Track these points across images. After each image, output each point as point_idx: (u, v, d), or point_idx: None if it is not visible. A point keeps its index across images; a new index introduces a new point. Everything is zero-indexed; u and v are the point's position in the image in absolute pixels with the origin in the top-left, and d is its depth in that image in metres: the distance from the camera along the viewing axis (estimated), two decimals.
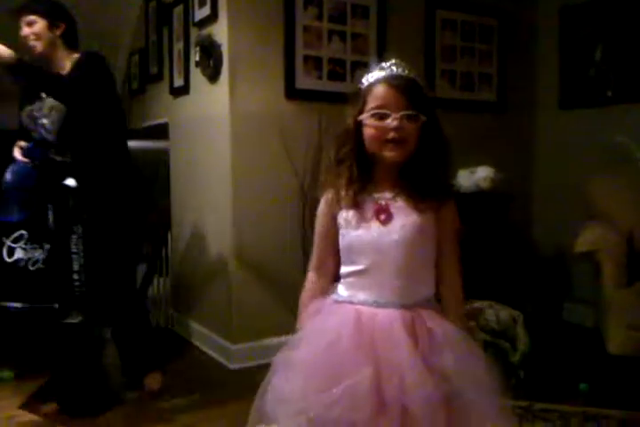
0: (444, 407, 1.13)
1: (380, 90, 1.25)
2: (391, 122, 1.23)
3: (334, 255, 1.34)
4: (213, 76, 2.80)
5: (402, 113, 1.23)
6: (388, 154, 1.25)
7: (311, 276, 1.39)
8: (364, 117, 1.26)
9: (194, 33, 2.97)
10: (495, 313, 2.43)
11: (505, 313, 2.44)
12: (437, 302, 1.32)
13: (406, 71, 1.29)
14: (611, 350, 2.23)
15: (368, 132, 1.26)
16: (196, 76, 2.97)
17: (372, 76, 1.29)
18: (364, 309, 1.23)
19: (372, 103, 1.25)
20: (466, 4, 3.30)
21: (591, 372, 2.49)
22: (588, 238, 2.45)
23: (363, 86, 1.29)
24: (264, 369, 1.26)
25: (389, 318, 1.21)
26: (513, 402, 2.19)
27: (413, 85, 1.27)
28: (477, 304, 2.49)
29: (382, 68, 1.29)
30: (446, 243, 1.31)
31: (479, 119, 3.37)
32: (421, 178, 1.29)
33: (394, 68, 1.29)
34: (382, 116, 1.24)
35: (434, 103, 1.32)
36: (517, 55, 3.52)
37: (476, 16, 3.34)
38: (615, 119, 3.15)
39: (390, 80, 1.26)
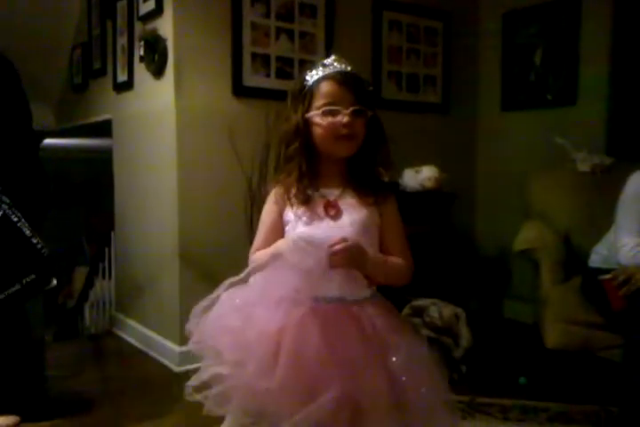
0: (395, 405, 1.13)
1: (327, 87, 1.27)
2: (342, 118, 1.25)
3: None
4: (158, 72, 2.74)
5: (352, 109, 1.25)
6: (341, 150, 1.28)
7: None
8: (314, 115, 1.27)
9: (138, 27, 2.91)
10: (438, 310, 2.48)
11: (448, 310, 2.49)
12: (382, 296, 1.34)
13: (348, 67, 1.32)
14: (548, 344, 2.30)
15: (319, 129, 1.27)
16: (141, 71, 2.91)
17: (317, 74, 1.30)
18: (317, 306, 1.21)
19: (320, 100, 1.27)
20: (411, 6, 3.35)
21: (530, 366, 2.57)
22: (526, 237, 2.52)
23: (308, 84, 1.30)
24: None
25: (340, 314, 1.21)
26: (455, 397, 2.24)
27: (358, 81, 1.30)
28: (421, 302, 2.53)
29: (325, 66, 1.31)
30: (393, 230, 1.35)
31: (424, 120, 3.43)
32: (366, 173, 1.33)
33: (336, 64, 1.31)
34: (333, 113, 1.25)
35: (375, 98, 1.35)
36: (461, 58, 3.60)
37: (421, 18, 3.39)
38: (554, 121, 3.26)
39: (337, 77, 1.28)
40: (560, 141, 2.89)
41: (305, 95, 1.30)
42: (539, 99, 3.37)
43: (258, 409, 1.11)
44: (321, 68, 1.31)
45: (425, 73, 3.45)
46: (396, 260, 1.33)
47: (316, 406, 1.06)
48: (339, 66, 1.30)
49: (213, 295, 1.23)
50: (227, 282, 1.24)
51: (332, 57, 1.32)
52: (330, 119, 1.26)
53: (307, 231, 1.28)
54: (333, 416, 1.07)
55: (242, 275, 1.24)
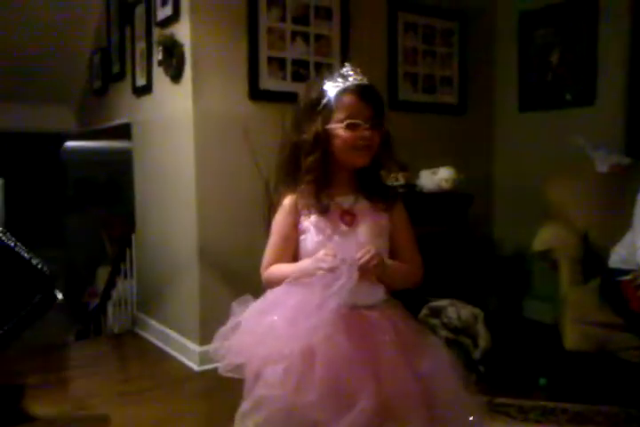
0: (426, 407, 1.15)
1: (348, 100, 1.32)
2: (363, 132, 1.30)
3: (289, 258, 1.37)
4: (176, 76, 2.78)
5: (371, 123, 1.31)
6: (359, 160, 1.34)
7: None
8: (336, 128, 1.32)
9: (156, 32, 2.95)
10: (456, 311, 2.48)
11: (466, 311, 2.49)
12: (394, 299, 1.36)
13: (365, 79, 1.35)
14: (567, 345, 2.29)
15: (340, 141, 1.32)
16: (159, 75, 2.95)
17: (337, 86, 1.33)
18: (340, 314, 1.21)
19: (341, 113, 1.31)
20: (427, 7, 3.35)
21: (550, 367, 2.56)
22: (544, 238, 2.51)
23: (330, 95, 1.33)
24: None
25: (364, 321, 1.23)
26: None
27: (376, 95, 1.35)
28: (439, 302, 2.54)
29: (344, 76, 1.35)
30: (403, 234, 1.40)
31: (441, 121, 3.43)
32: (375, 179, 1.39)
33: (354, 75, 1.35)
34: (354, 126, 1.30)
35: (385, 111, 1.38)
36: (477, 58, 3.59)
37: (436, 19, 3.38)
38: (572, 121, 3.24)
39: (357, 90, 1.32)
40: (578, 142, 2.87)
41: (325, 107, 1.33)
42: (556, 99, 3.35)
43: (301, 425, 1.13)
44: (340, 79, 1.34)
45: (441, 74, 3.45)
46: (405, 265, 1.37)
47: (356, 412, 1.09)
48: (357, 77, 1.34)
49: (238, 318, 1.25)
50: (250, 304, 1.27)
51: (348, 67, 1.35)
52: (351, 133, 1.31)
53: (325, 241, 1.30)
54: (372, 421, 1.09)
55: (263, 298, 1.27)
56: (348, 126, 1.30)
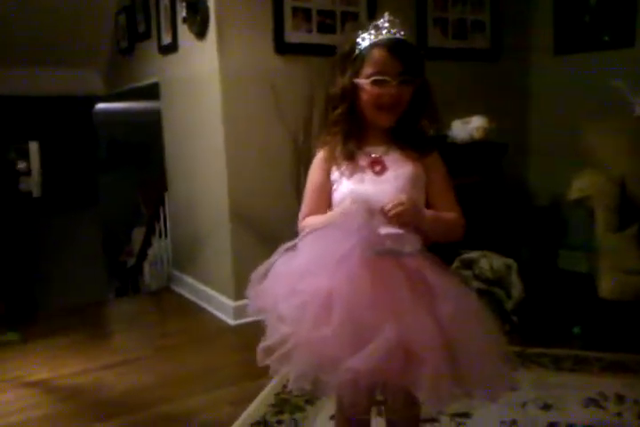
0: (445, 353, 1.14)
1: (378, 54, 1.26)
2: (389, 89, 1.26)
3: (325, 208, 1.36)
4: (201, 33, 2.75)
5: (399, 79, 1.26)
6: (382, 120, 1.30)
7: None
8: (363, 83, 1.28)
9: None
10: (489, 262, 2.46)
11: (499, 262, 2.47)
12: (429, 252, 1.35)
13: (401, 32, 1.29)
14: (602, 294, 2.26)
15: (365, 96, 1.29)
16: (184, 33, 2.92)
17: (369, 38, 1.28)
18: (367, 259, 1.21)
19: (370, 68, 1.27)
20: None
21: (584, 316, 2.55)
22: (580, 185, 2.44)
23: (361, 47, 1.29)
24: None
25: (390, 265, 1.22)
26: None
27: (410, 50, 1.29)
28: (471, 254, 2.52)
29: (378, 28, 1.29)
30: (441, 184, 1.36)
31: (473, 68, 3.32)
32: (411, 130, 1.34)
33: (390, 29, 1.29)
34: (381, 82, 1.26)
35: (424, 65, 1.32)
36: (511, 0, 3.43)
37: None
38: (610, 64, 3.10)
39: (388, 44, 1.26)
40: (617, 85, 2.76)
41: (355, 59, 1.30)
42: (594, 41, 3.20)
43: (317, 361, 1.13)
44: (373, 31, 1.29)
45: (473, 18, 3.32)
46: (448, 215, 1.34)
47: (372, 348, 1.09)
48: (392, 31, 1.28)
49: (271, 260, 1.26)
50: (282, 247, 1.26)
51: (386, 17, 1.29)
52: (377, 89, 1.26)
53: (355, 188, 1.29)
54: (388, 359, 1.09)
55: (296, 241, 1.27)
56: (375, 82, 1.26)
